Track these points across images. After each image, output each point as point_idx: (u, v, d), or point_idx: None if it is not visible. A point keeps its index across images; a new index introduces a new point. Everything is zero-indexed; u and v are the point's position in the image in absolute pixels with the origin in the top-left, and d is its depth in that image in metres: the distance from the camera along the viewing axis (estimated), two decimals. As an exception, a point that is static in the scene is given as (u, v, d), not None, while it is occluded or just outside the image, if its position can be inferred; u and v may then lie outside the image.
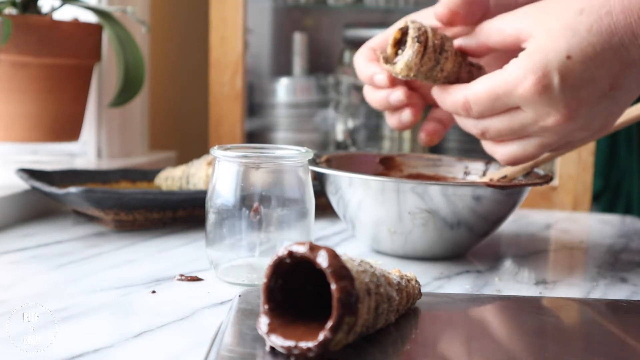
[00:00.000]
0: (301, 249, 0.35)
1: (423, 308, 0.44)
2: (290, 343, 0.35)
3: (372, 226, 0.60)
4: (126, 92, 0.90)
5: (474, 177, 0.70)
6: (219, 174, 0.52)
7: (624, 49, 0.48)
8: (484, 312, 0.46)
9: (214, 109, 1.20)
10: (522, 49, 0.51)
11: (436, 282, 0.55)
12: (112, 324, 0.44)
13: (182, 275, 0.54)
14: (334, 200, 0.63)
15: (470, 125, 0.55)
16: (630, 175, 1.78)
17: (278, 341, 0.35)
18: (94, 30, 0.91)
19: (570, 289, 0.55)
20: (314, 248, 0.35)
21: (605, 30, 0.47)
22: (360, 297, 0.35)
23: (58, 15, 0.90)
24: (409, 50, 0.53)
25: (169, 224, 0.71)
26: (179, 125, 1.39)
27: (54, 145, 0.90)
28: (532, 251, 0.69)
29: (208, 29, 1.20)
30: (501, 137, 0.54)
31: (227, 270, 0.53)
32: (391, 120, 0.61)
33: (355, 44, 1.41)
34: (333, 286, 0.34)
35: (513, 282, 0.57)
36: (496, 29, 0.53)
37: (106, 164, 0.98)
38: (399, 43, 0.55)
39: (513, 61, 0.50)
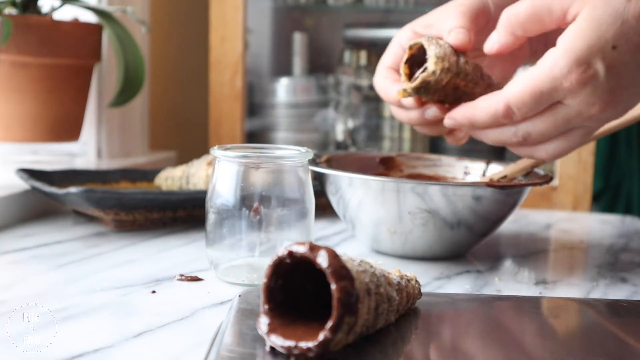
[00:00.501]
0: (301, 249, 0.35)
1: (423, 308, 0.44)
2: (290, 343, 0.35)
3: (372, 226, 0.60)
4: (126, 92, 0.90)
5: (473, 177, 0.70)
6: (219, 174, 0.52)
7: None
8: (484, 312, 0.46)
9: (214, 109, 1.20)
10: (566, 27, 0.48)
11: (436, 282, 0.56)
12: (112, 324, 0.44)
13: (182, 275, 0.54)
14: (334, 200, 0.63)
15: (510, 135, 0.51)
16: (630, 175, 1.78)
17: (278, 341, 0.35)
18: (93, 30, 0.91)
19: (570, 289, 0.55)
20: (314, 248, 0.35)
21: None
22: (360, 297, 0.35)
23: (58, 15, 0.90)
24: (431, 64, 0.52)
25: (169, 224, 0.71)
26: (179, 125, 1.39)
27: (54, 145, 0.90)
28: (532, 251, 0.69)
29: (208, 28, 1.20)
30: (544, 138, 0.51)
31: (227, 270, 0.53)
32: (432, 131, 0.59)
33: (355, 44, 1.41)
34: (333, 286, 0.34)
35: (513, 282, 0.57)
36: (546, 8, 0.50)
37: (106, 164, 0.98)
38: (410, 60, 0.55)
39: (552, 54, 0.48)
